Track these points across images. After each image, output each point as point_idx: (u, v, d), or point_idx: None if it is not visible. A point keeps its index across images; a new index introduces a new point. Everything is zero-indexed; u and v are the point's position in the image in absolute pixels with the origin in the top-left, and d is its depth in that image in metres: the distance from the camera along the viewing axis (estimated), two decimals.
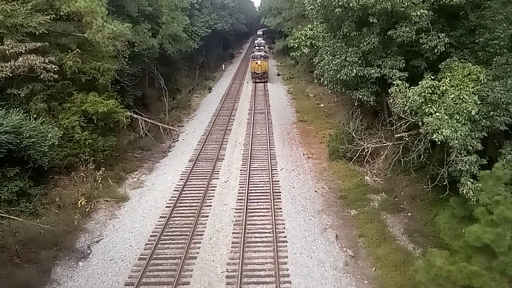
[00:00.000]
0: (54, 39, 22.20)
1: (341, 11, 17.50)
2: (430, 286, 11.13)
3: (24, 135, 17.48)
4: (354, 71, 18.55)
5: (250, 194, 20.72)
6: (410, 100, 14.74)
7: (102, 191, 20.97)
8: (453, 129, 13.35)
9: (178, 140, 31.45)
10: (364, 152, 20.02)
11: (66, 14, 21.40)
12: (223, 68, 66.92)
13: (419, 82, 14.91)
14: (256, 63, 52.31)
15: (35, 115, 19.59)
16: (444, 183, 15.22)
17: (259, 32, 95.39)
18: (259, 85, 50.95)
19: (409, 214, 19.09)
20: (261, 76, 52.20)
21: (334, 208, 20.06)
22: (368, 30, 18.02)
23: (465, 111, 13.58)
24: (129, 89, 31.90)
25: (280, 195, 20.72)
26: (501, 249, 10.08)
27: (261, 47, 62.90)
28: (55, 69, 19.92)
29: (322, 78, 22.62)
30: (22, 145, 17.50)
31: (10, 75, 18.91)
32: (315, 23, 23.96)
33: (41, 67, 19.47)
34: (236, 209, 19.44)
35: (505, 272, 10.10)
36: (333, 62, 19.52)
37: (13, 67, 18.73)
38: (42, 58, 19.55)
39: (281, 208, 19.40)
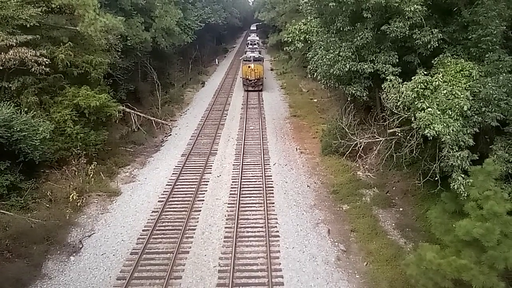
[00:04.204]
0: (46, 32, 21.95)
1: (335, 6, 17.50)
2: (420, 279, 11.25)
3: (15, 128, 17.30)
4: (348, 66, 18.61)
5: (243, 189, 20.73)
6: (403, 96, 14.82)
7: (94, 186, 20.85)
8: (445, 125, 13.44)
9: (171, 134, 31.31)
10: (356, 147, 20.07)
11: (58, 6, 21.12)
12: (217, 63, 66.58)
13: (412, 78, 14.98)
14: (249, 67, 42.67)
15: (26, 109, 19.36)
16: (436, 178, 15.33)
17: (253, 27, 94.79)
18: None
19: (400, 209, 19.21)
20: (254, 84, 43.16)
21: (327, 203, 20.13)
22: (361, 25, 18.04)
23: (457, 106, 13.68)
24: (122, 83, 31.65)
25: (272, 190, 20.77)
26: (490, 243, 10.20)
27: (254, 46, 53.67)
28: (47, 62, 19.70)
29: (315, 73, 22.62)
30: (13, 138, 17.33)
31: (1, 68, 18.75)
32: (309, 17, 23.92)
33: (32, 60, 19.23)
34: (228, 203, 19.46)
35: (494, 266, 10.24)
36: (327, 57, 19.53)
37: (3, 60, 18.53)
38: (34, 51, 19.31)
39: (273, 203, 19.47)
